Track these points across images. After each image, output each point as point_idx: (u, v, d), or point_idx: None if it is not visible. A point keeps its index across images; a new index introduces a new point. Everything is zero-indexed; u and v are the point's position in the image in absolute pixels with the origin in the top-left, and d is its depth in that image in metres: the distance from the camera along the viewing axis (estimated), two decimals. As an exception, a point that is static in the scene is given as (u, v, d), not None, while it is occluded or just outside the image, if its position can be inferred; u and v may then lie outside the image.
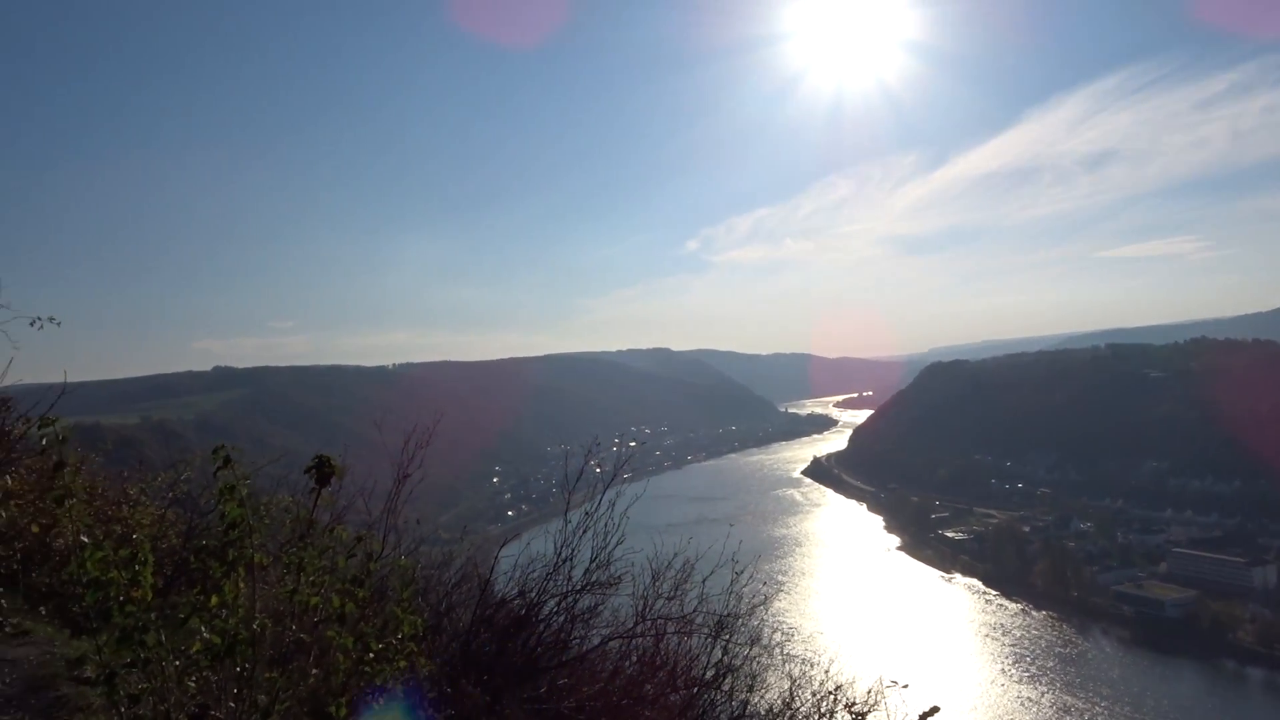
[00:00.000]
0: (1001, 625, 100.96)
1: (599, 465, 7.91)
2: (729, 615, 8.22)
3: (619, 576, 7.12)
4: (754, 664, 8.91)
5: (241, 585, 3.45)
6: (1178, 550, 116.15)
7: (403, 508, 7.22)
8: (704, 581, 7.88)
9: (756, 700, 8.61)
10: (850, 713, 8.12)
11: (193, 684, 3.24)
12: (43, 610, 7.00)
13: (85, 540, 3.20)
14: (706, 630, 7.86)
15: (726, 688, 8.20)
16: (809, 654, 10.98)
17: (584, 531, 6.77)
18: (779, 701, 8.76)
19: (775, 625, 10.25)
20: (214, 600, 3.34)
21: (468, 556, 9.25)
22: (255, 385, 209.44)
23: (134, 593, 3.14)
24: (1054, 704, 77.63)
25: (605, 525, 6.83)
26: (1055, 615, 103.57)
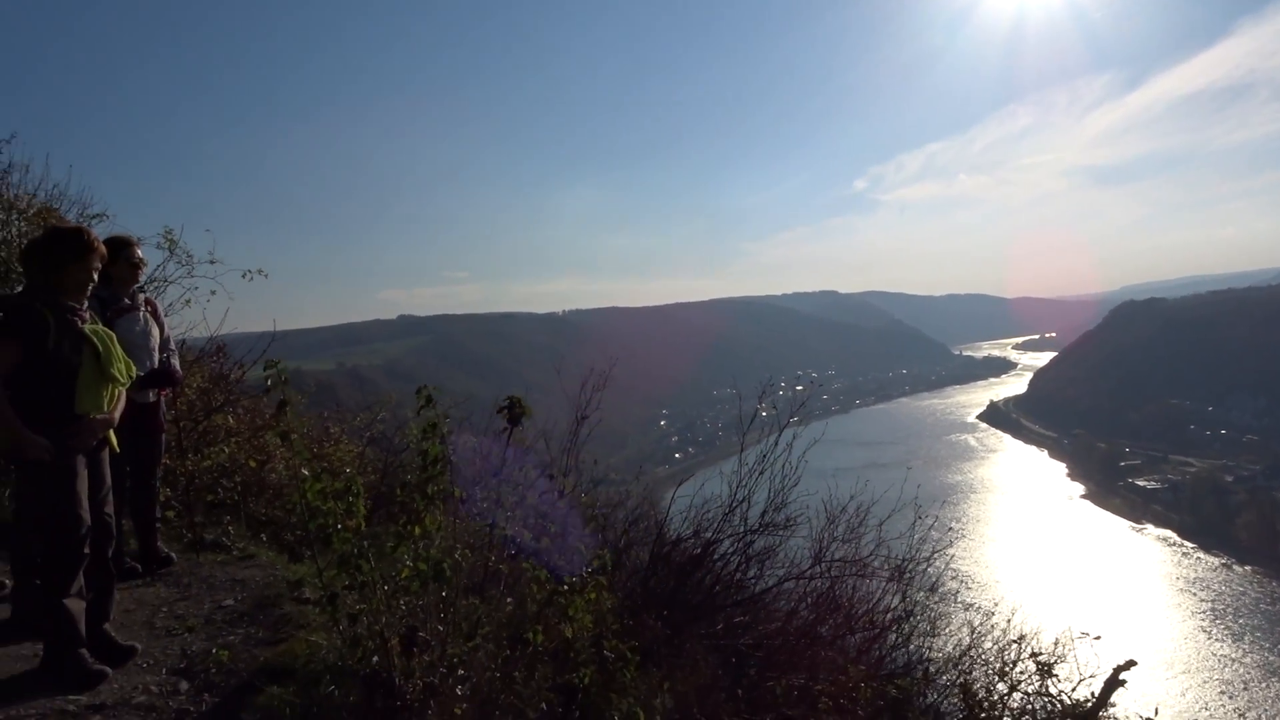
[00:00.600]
0: (1200, 580, 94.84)
1: (766, 409, 7.91)
2: (907, 560, 8.11)
3: (794, 518, 7.14)
4: (931, 610, 8.78)
5: (441, 517, 3.68)
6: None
7: (581, 449, 7.46)
8: (880, 526, 7.78)
9: (935, 646, 8.49)
10: (1036, 663, 7.88)
11: (403, 606, 3.48)
12: (263, 537, 7.68)
13: (305, 473, 3.47)
14: (884, 574, 7.79)
15: (905, 632, 8.12)
16: (987, 603, 10.69)
17: (760, 473, 6.81)
18: (958, 649, 8.60)
19: (951, 572, 10.03)
20: (416, 530, 3.57)
21: (642, 496, 9.49)
22: (436, 332, 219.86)
23: (349, 522, 3.40)
24: (1259, 664, 72.59)
25: (782, 467, 6.85)
26: (1262, 571, 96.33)
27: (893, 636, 7.91)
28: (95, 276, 4.37)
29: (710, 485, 7.76)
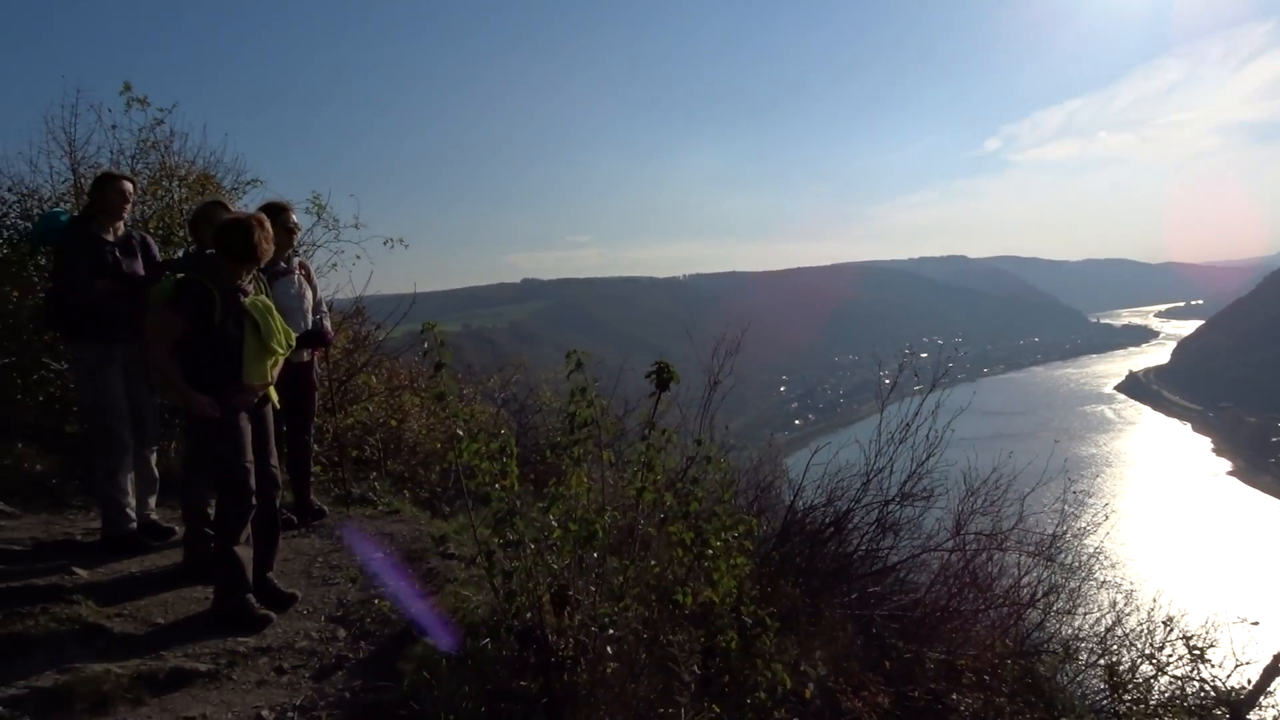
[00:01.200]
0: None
1: (892, 376, 7.72)
2: (1048, 535, 7.82)
3: (931, 489, 6.96)
4: (1071, 587, 8.47)
5: (586, 480, 3.72)
6: None
7: (714, 414, 7.44)
8: (1022, 500, 7.51)
9: (1077, 625, 8.19)
10: (1188, 646, 7.50)
11: (554, 565, 3.55)
12: (405, 493, 7.97)
13: (461, 434, 3.55)
14: (1025, 549, 7.53)
15: (1045, 609, 7.85)
16: (1126, 582, 10.23)
17: (901, 441, 6.65)
18: (1101, 628, 8.29)
19: (1090, 549, 9.63)
20: (562, 491, 3.62)
21: (776, 462, 9.42)
22: (558, 296, 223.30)
23: (503, 481, 3.47)
24: None
25: (927, 435, 6.67)
26: None
27: (1034, 614, 7.66)
28: (261, 260, 4.55)
29: (844, 453, 7.63)
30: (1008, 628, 6.98)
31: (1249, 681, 7.63)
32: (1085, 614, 8.65)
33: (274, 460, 4.86)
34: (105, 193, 5.52)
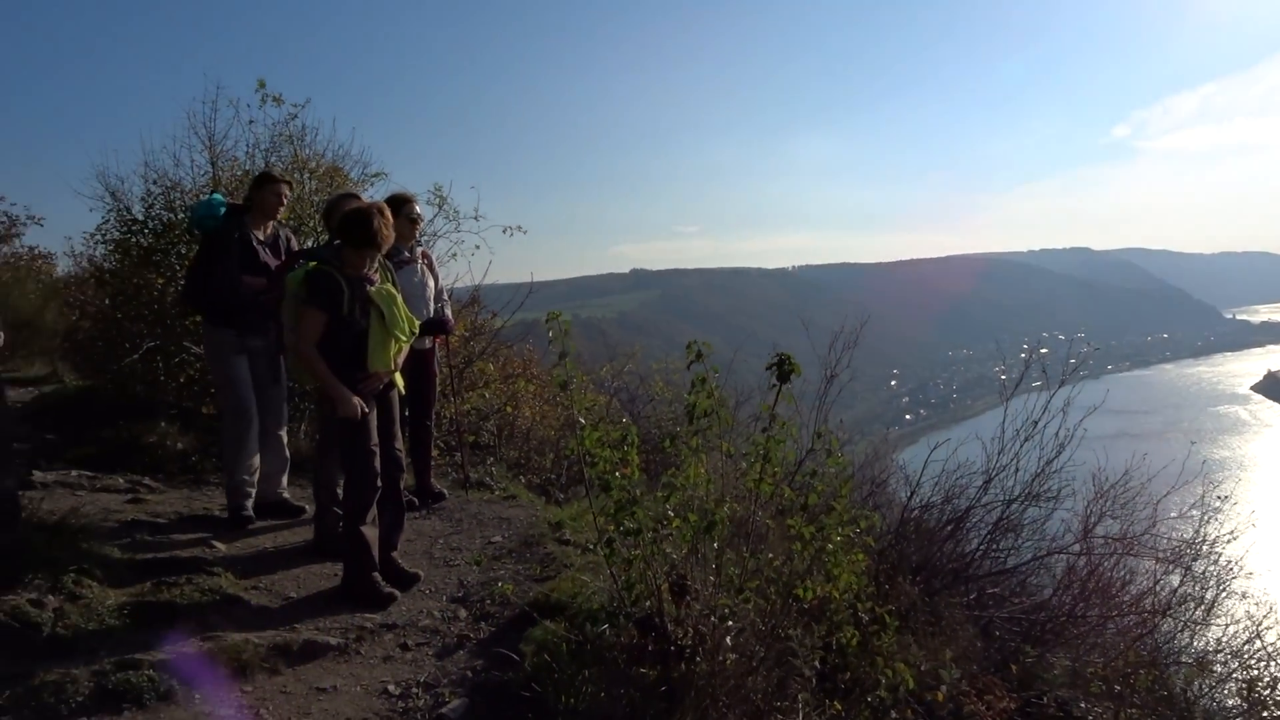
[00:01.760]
0: None
1: (1003, 372, 7.47)
2: (1184, 542, 7.44)
3: (1059, 490, 6.71)
4: (1207, 598, 8.04)
5: (703, 470, 3.71)
6: None
7: (829, 408, 7.34)
8: (1156, 504, 7.17)
9: (1212, 637, 7.77)
10: (1338, 666, 7.04)
11: (672, 555, 3.56)
12: (521, 479, 8.12)
13: (583, 421, 3.59)
14: (1157, 554, 7.18)
15: (1176, 618, 7.48)
16: (1267, 593, 9.64)
17: (1026, 440, 6.43)
18: (1238, 642, 7.84)
19: (1226, 557, 9.12)
20: (680, 481, 3.62)
21: (888, 458, 9.24)
22: (666, 286, 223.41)
23: (624, 469, 3.49)
24: None
25: (1056, 433, 6.42)
26: None
27: (1167, 623, 7.30)
28: (382, 246, 4.68)
29: (962, 450, 7.43)
30: (1138, 636, 6.67)
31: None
32: (1220, 626, 8.21)
33: (398, 444, 5.02)
34: (263, 193, 5.78)
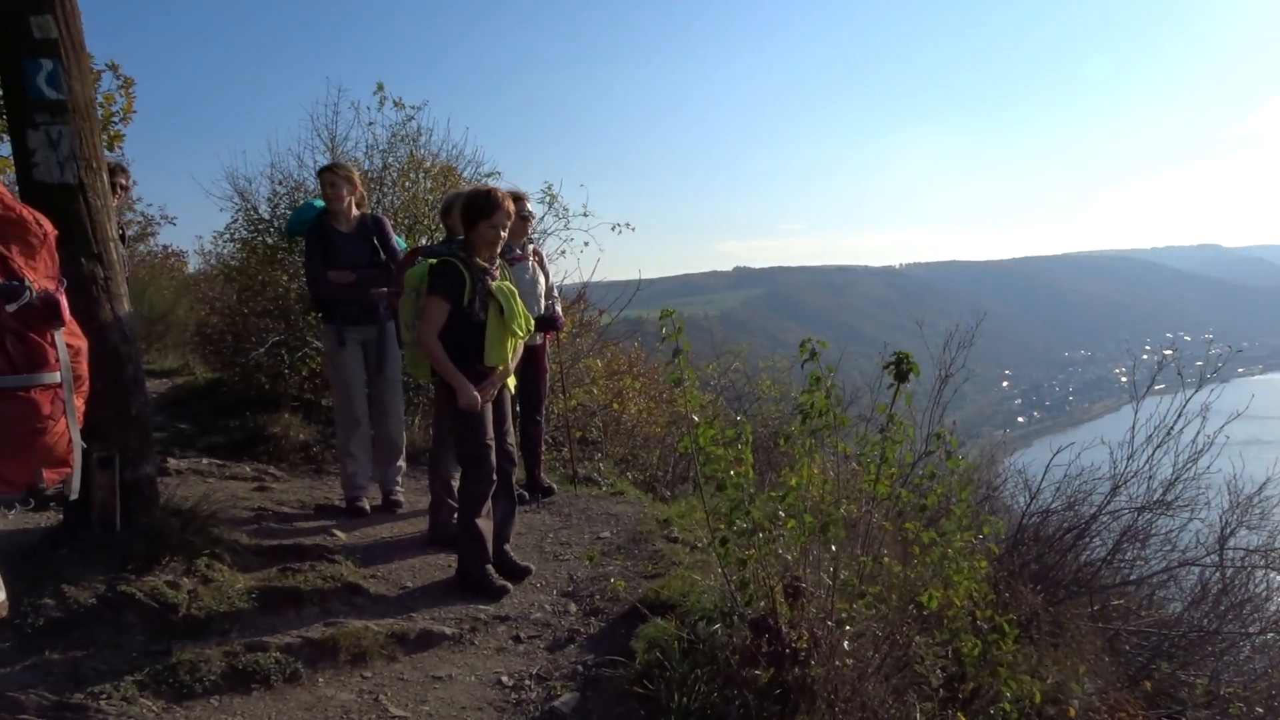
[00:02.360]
0: None
1: (1124, 375, 7.12)
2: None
3: (1194, 498, 6.36)
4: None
5: (816, 471, 3.64)
6: None
7: (944, 409, 7.14)
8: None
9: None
10: None
11: (787, 556, 3.50)
12: (628, 475, 8.14)
13: (696, 419, 3.56)
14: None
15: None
16: None
17: (1158, 446, 6.11)
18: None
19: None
20: (794, 481, 3.56)
21: (1002, 461, 8.94)
22: (770, 284, 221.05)
23: (739, 468, 3.45)
24: None
25: (1194, 438, 6.08)
26: None
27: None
28: (504, 234, 4.74)
29: (1088, 455, 7.13)
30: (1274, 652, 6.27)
31: None
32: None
33: (510, 439, 5.09)
34: (321, 185, 5.94)
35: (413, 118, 9.10)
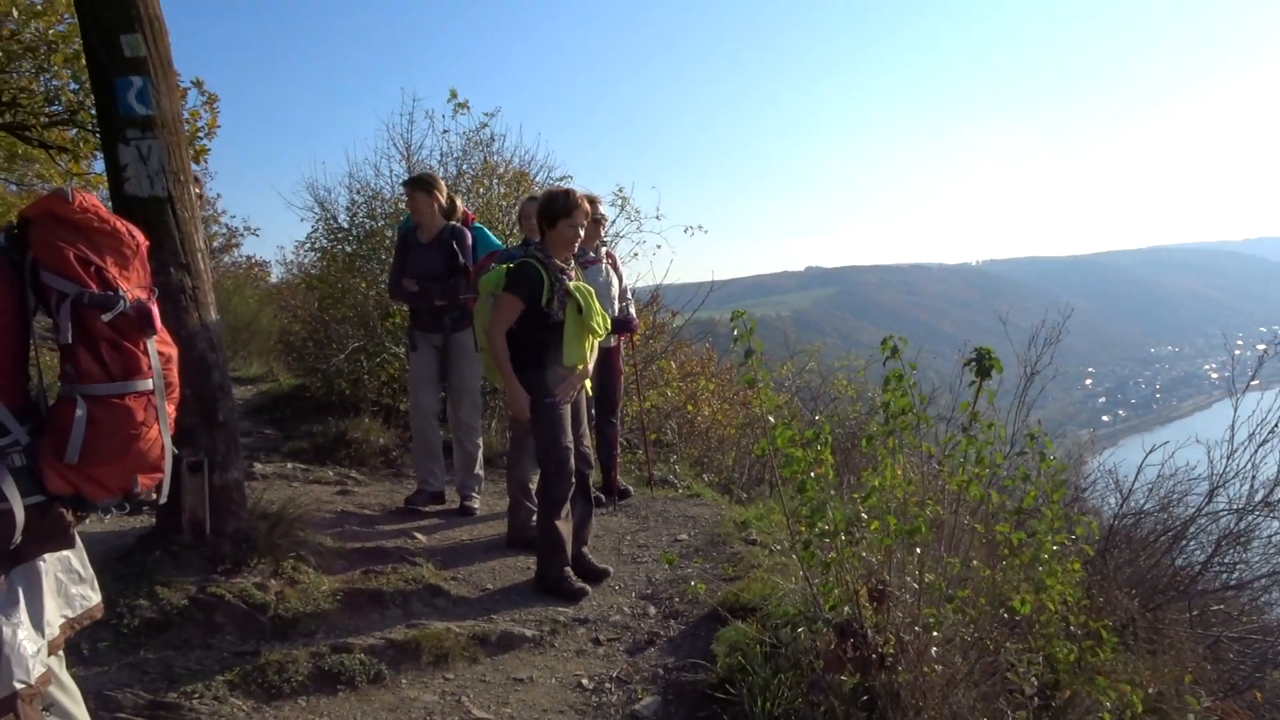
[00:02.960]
0: None
1: (1216, 369, 6.81)
2: None
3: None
4: None
5: (900, 471, 3.55)
6: None
7: (1028, 409, 6.93)
8: None
9: None
10: None
11: (872, 560, 3.42)
12: (704, 477, 8.09)
13: (772, 420, 3.51)
14: None
15: None
16: None
17: (1262, 443, 5.82)
18: None
19: None
20: (876, 483, 3.48)
21: (1088, 461, 8.66)
22: (842, 283, 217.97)
23: (819, 469, 3.39)
24: None
25: (1271, 438, 5.76)
26: None
27: None
28: (581, 234, 4.76)
29: (1182, 454, 6.84)
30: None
31: None
32: None
33: (587, 441, 5.09)
34: (407, 199, 6.09)
35: (485, 124, 9.20)
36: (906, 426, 3.52)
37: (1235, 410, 5.85)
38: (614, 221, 9.28)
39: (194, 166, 5.22)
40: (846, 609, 3.30)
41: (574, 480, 4.77)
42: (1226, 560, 6.59)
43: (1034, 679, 3.14)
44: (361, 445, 7.43)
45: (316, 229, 9.60)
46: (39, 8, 7.25)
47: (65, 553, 2.13)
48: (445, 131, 9.18)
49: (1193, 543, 6.54)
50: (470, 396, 6.09)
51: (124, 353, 1.99)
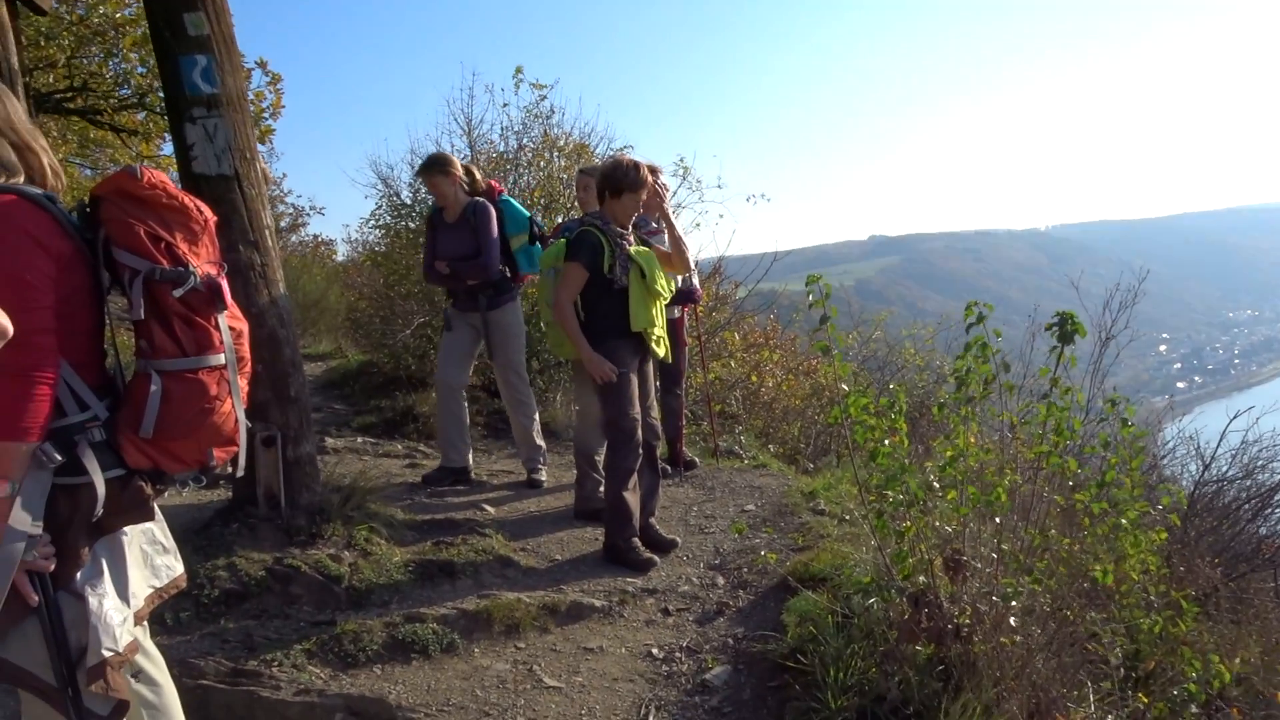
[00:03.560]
0: None
1: None
2: None
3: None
4: None
5: (973, 440, 3.46)
6: None
7: (1103, 376, 6.72)
8: None
9: None
10: None
11: (947, 529, 3.35)
12: (769, 448, 8.03)
13: (845, 389, 3.44)
14: None
15: None
16: None
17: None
18: None
19: None
20: (949, 452, 3.39)
21: (1165, 428, 8.39)
22: (907, 251, 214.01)
23: (893, 438, 3.32)
24: None
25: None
26: None
27: None
28: (641, 206, 4.74)
29: (1266, 420, 6.61)
30: None
31: None
32: None
33: (654, 412, 5.08)
34: (426, 186, 6.05)
35: (545, 97, 9.18)
36: (985, 395, 3.44)
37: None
38: (675, 192, 9.21)
39: (259, 146, 5.28)
40: (921, 579, 3.24)
41: (641, 451, 4.76)
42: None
43: (1119, 649, 3.05)
44: (429, 419, 7.51)
45: (380, 206, 9.71)
46: (107, -9, 7.40)
47: (148, 525, 2.17)
48: (505, 105, 9.18)
49: (1278, 511, 6.33)
50: (516, 371, 6.03)
51: (196, 328, 2.01)
